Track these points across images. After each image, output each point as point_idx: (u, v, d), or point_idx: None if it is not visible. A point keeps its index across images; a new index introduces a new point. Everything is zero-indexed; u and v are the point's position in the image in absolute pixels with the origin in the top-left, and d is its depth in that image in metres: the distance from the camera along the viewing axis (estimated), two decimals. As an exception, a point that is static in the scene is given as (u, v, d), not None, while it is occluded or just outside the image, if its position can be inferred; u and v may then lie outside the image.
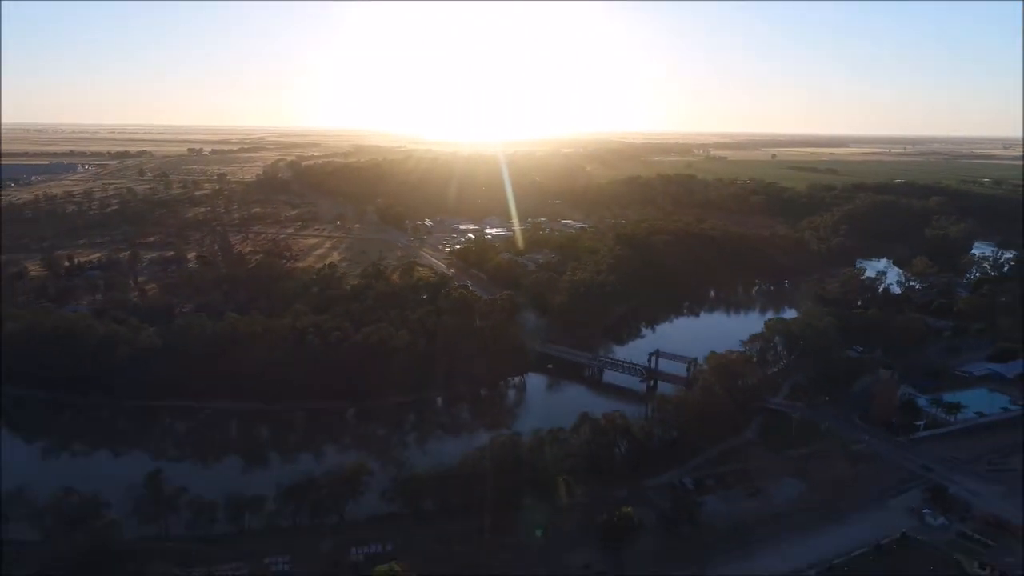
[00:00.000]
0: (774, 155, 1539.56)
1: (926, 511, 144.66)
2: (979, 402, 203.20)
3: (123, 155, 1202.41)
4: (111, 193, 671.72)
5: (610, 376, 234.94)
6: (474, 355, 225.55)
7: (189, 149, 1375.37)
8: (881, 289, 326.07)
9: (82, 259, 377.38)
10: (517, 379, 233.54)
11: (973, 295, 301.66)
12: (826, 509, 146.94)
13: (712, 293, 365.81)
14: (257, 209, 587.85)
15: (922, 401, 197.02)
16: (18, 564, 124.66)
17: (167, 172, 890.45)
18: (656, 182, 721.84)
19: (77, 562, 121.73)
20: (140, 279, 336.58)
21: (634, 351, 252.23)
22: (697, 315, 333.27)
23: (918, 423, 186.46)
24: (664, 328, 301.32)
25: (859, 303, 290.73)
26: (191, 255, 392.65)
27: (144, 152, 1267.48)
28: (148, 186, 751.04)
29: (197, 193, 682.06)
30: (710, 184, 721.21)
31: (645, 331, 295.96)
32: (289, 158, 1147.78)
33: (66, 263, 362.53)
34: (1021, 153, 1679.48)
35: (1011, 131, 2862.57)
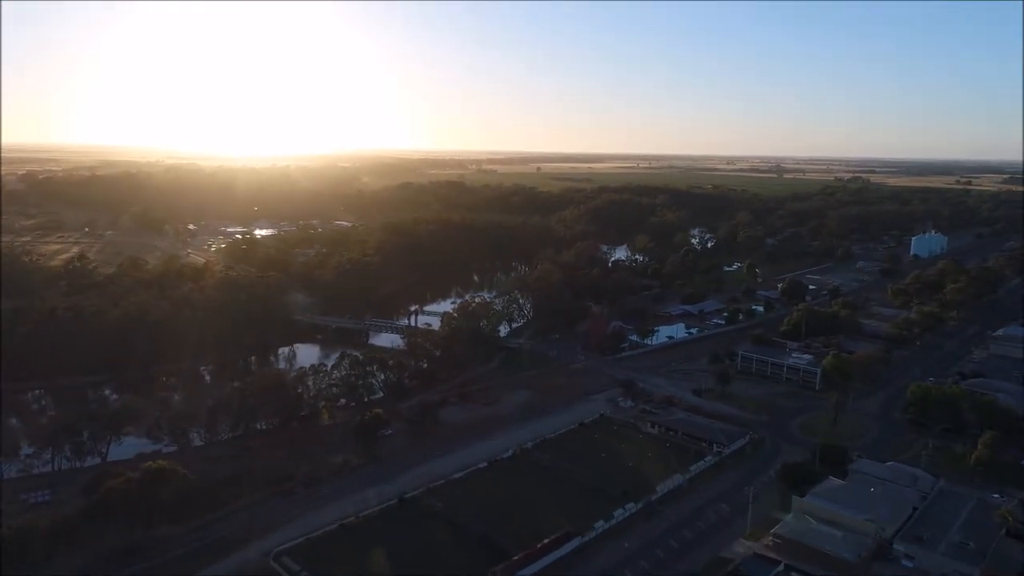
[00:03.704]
0: (539, 168, 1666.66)
1: (619, 399, 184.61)
2: (672, 331, 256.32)
3: None
4: None
5: (379, 340, 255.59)
6: (242, 327, 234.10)
7: None
8: (611, 261, 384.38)
9: None
10: (287, 349, 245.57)
11: (678, 263, 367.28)
12: (546, 407, 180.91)
13: (476, 277, 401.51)
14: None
15: (628, 331, 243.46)
16: None
17: None
18: (428, 187, 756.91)
19: None
20: None
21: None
22: (463, 298, 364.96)
23: (623, 346, 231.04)
24: (432, 308, 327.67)
25: (592, 270, 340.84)
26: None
27: None
28: None
29: None
30: (477, 189, 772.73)
31: (413, 309, 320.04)
32: (20, 172, 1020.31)
33: None
34: (740, 168, 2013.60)
35: (739, 151, 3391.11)
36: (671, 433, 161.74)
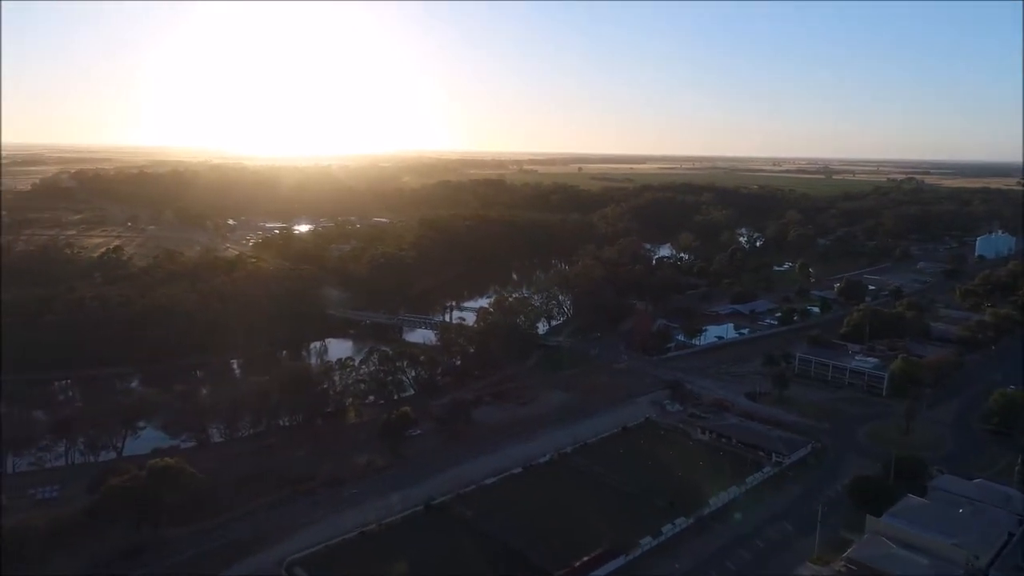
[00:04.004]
0: (580, 168, 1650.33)
1: (666, 401, 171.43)
2: (721, 331, 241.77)
3: None
4: None
5: (413, 336, 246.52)
6: (274, 321, 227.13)
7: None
8: (655, 258, 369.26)
9: None
10: (319, 343, 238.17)
11: (726, 261, 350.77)
12: (586, 408, 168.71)
13: (514, 275, 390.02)
14: (32, 215, 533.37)
15: (675, 330, 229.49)
16: None
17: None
18: (466, 185, 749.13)
19: None
20: None
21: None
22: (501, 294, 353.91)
23: (669, 346, 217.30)
24: (468, 304, 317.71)
25: (635, 266, 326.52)
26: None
27: None
28: None
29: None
30: (516, 187, 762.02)
31: (449, 305, 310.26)
32: (72, 171, 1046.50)
33: None
34: (785, 169, 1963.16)
35: (775, 153, 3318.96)
36: (724, 440, 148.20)
